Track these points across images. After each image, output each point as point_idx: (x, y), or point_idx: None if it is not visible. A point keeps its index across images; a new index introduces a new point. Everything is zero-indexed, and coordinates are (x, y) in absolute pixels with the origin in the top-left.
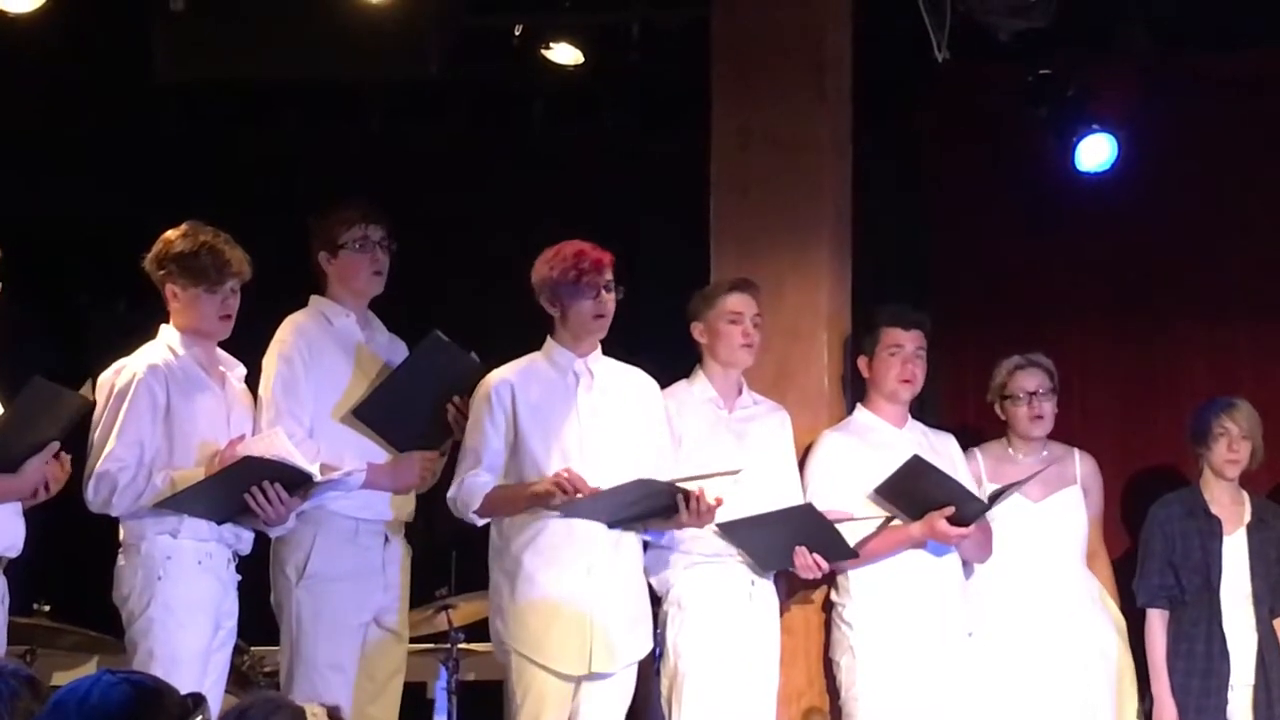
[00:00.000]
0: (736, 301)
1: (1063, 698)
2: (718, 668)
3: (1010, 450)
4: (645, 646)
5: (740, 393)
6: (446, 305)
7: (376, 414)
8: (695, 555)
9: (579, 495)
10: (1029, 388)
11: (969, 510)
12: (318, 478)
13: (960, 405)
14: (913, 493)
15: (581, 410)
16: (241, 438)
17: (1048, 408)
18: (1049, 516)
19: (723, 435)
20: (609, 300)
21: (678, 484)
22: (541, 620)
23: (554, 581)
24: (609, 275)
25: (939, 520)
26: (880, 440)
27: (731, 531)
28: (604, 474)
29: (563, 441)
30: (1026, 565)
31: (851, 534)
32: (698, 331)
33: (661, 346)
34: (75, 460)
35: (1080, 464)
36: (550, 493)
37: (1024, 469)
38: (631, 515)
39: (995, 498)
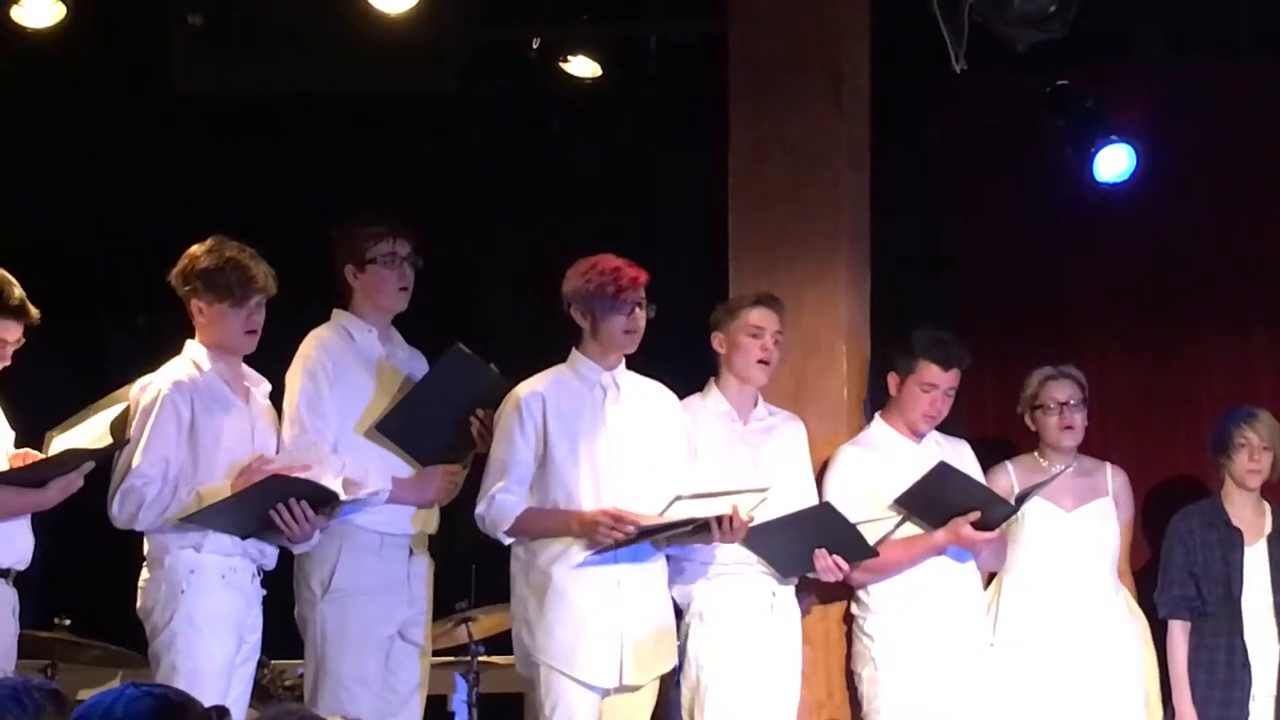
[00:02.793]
0: (759, 316)
1: (1093, 709)
2: (739, 679)
3: (1042, 461)
4: (672, 659)
5: (755, 405)
6: (466, 317)
7: (399, 428)
8: (716, 565)
9: (629, 529)
10: (1060, 398)
11: (996, 513)
12: (344, 497)
13: (980, 417)
14: (937, 500)
15: (609, 424)
16: (261, 457)
17: (1079, 418)
18: (1081, 527)
19: (737, 447)
20: (640, 317)
21: (708, 495)
22: (571, 632)
23: (584, 594)
24: (643, 293)
25: (964, 526)
26: (897, 454)
27: (751, 538)
28: (631, 487)
29: (592, 455)
30: (1059, 575)
31: (868, 535)
32: (717, 342)
33: (678, 359)
34: (97, 474)
35: (1112, 477)
36: (594, 530)
37: (1056, 480)
38: (661, 537)
39: (1021, 500)
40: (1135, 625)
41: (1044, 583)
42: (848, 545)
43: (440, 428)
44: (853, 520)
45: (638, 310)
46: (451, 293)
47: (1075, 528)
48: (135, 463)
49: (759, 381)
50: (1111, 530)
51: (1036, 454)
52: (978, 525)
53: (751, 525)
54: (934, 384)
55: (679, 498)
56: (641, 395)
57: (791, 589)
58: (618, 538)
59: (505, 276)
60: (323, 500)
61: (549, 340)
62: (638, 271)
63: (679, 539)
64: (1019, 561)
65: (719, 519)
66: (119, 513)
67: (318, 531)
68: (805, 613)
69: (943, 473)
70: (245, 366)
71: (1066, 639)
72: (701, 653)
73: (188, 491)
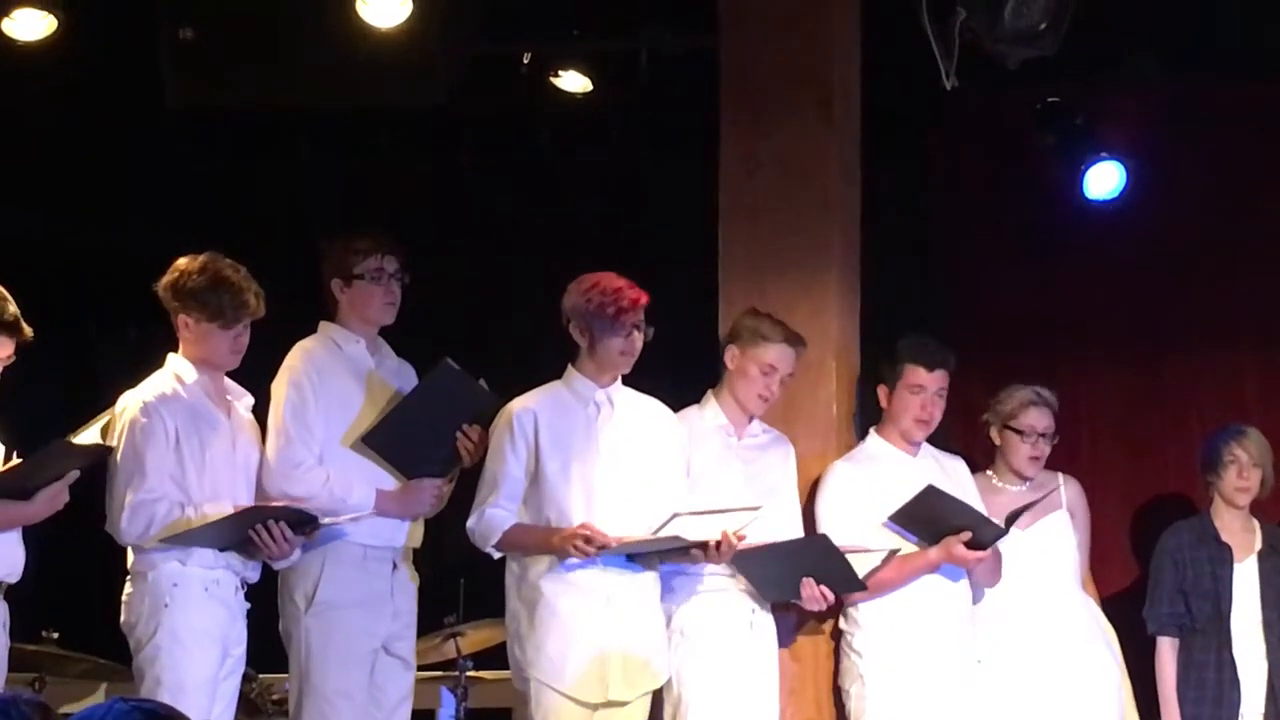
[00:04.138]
0: (778, 356)
1: None
2: (720, 697)
3: (996, 481)
4: (663, 675)
5: (750, 420)
6: (455, 331)
7: (386, 441)
8: (697, 584)
9: (599, 550)
10: (1039, 428)
11: (986, 535)
12: (323, 521)
13: (970, 433)
14: (928, 519)
15: (602, 440)
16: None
17: (1048, 449)
18: (1037, 543)
19: (732, 462)
20: (637, 340)
21: (704, 513)
22: (561, 647)
23: (574, 609)
24: (642, 316)
25: (956, 545)
26: (893, 468)
27: (741, 560)
28: (623, 504)
29: (584, 472)
30: (1020, 593)
31: (857, 565)
32: (730, 356)
33: (668, 373)
34: (86, 489)
35: (1065, 488)
36: (567, 550)
37: (1010, 498)
38: (650, 554)
39: (1011, 521)
40: (1106, 633)
41: (1009, 602)
42: (837, 577)
43: (427, 442)
44: (842, 545)
45: (635, 333)
46: (444, 307)
47: (1032, 544)
48: (140, 479)
49: (754, 412)
50: (1069, 542)
51: (990, 473)
52: (969, 544)
53: (743, 547)
54: (922, 385)
55: (676, 515)
56: (637, 412)
57: (769, 608)
58: (584, 556)
59: (497, 290)
60: (302, 521)
61: (542, 354)
62: (639, 293)
63: (669, 557)
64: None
65: (705, 547)
66: (129, 527)
67: (297, 550)
68: (794, 628)
69: (931, 495)
70: (228, 380)
71: (1040, 654)
72: (683, 670)
73: (193, 510)
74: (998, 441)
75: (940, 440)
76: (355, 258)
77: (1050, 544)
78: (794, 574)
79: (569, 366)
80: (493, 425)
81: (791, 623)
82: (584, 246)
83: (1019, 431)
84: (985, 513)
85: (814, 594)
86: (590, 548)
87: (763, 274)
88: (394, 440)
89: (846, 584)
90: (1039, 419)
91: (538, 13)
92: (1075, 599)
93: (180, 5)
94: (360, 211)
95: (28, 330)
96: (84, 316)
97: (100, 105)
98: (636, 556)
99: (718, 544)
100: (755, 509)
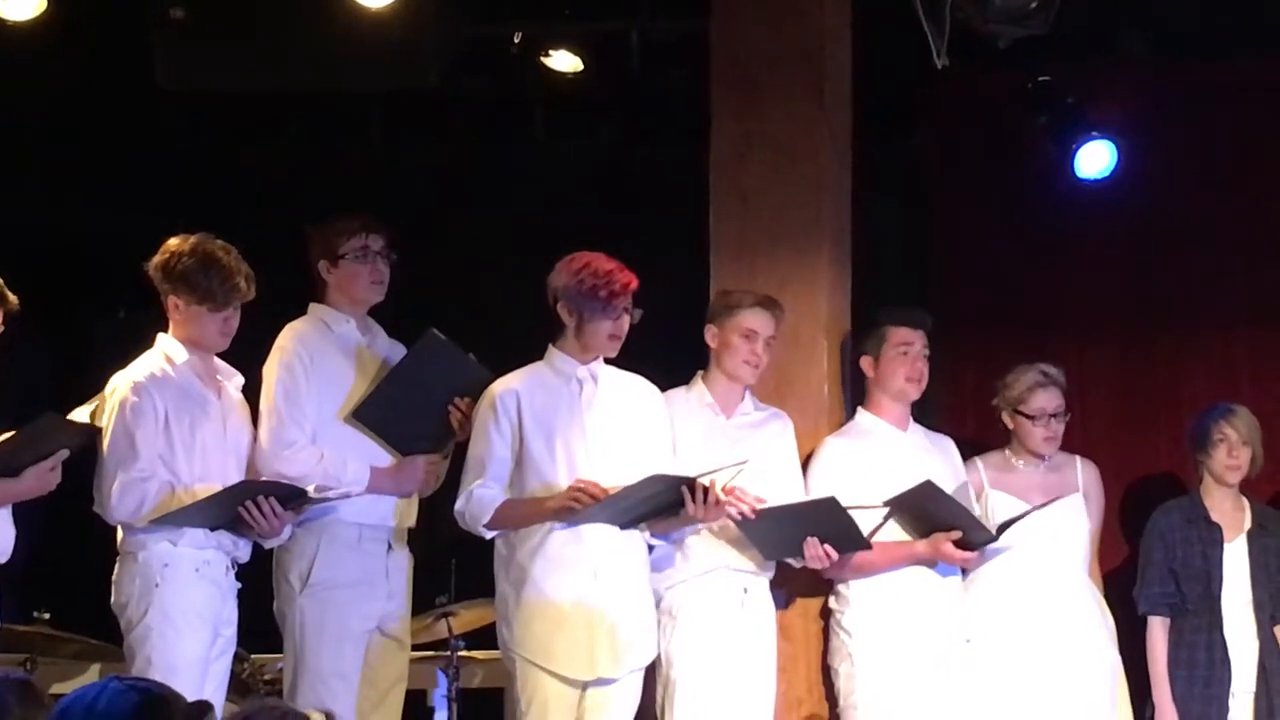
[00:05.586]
0: (754, 319)
1: (1065, 705)
2: (711, 675)
3: (1013, 459)
4: (651, 652)
5: (742, 399)
6: (447, 313)
7: (376, 415)
8: (685, 567)
9: (594, 500)
10: (1049, 409)
11: (976, 538)
12: (312, 495)
13: (960, 414)
14: (922, 514)
15: (586, 417)
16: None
17: (1061, 427)
18: (1051, 523)
19: (718, 441)
20: (625, 323)
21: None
22: (547, 625)
23: (560, 586)
24: (631, 299)
25: (945, 543)
26: (884, 444)
27: (745, 522)
28: (609, 480)
29: (568, 448)
30: (1028, 571)
31: (860, 521)
32: (710, 335)
33: (659, 354)
34: (80, 469)
35: (1082, 471)
36: (567, 507)
37: (1026, 478)
38: (641, 513)
39: (1003, 529)
40: (1106, 622)
41: (1012, 579)
42: (842, 537)
43: (419, 416)
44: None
45: (624, 316)
46: (437, 288)
47: (1045, 524)
48: (130, 459)
49: (746, 380)
50: (1082, 525)
51: (1008, 452)
52: (958, 544)
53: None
54: (909, 343)
55: (656, 475)
56: (621, 387)
57: (766, 584)
58: (584, 501)
59: (490, 270)
60: (291, 496)
61: (535, 334)
62: (629, 276)
63: (658, 525)
64: (987, 557)
65: (692, 490)
66: (119, 505)
67: (288, 527)
68: (784, 607)
69: (927, 491)
70: (218, 360)
71: (1037, 635)
72: (672, 649)
73: (185, 490)
74: (1010, 426)
75: (930, 419)
76: (339, 238)
77: (1062, 525)
78: (798, 534)
79: (550, 346)
80: (475, 408)
81: (781, 599)
82: (575, 227)
83: (1030, 416)
84: (988, 491)
85: (818, 553)
86: (586, 496)
87: (754, 255)
88: (385, 414)
89: (852, 543)
90: (1048, 400)
91: None
92: (1079, 582)
93: None
94: (352, 193)
95: (13, 299)
96: (74, 298)
97: (91, 86)
98: (629, 523)
99: (705, 492)
100: (742, 463)
